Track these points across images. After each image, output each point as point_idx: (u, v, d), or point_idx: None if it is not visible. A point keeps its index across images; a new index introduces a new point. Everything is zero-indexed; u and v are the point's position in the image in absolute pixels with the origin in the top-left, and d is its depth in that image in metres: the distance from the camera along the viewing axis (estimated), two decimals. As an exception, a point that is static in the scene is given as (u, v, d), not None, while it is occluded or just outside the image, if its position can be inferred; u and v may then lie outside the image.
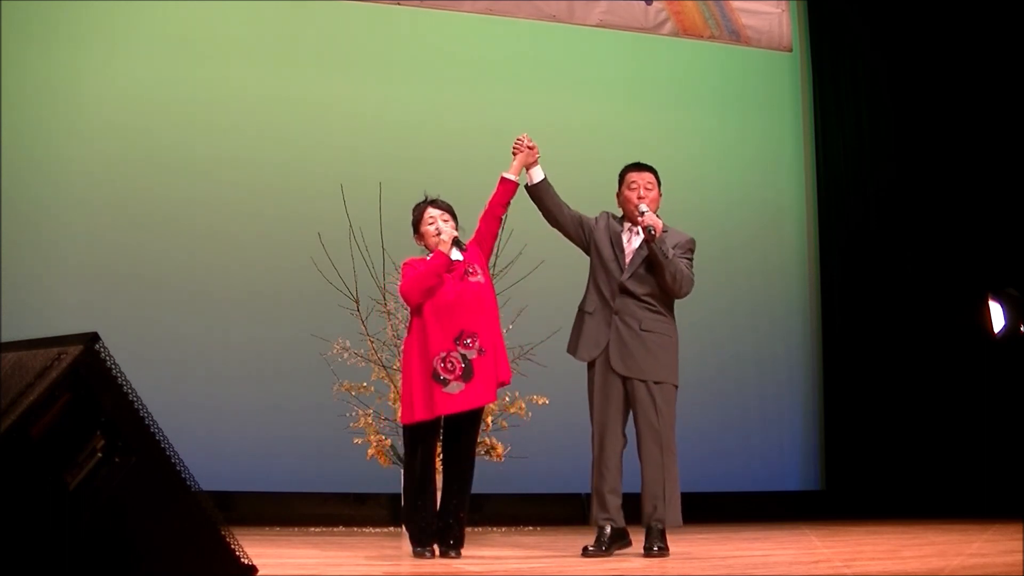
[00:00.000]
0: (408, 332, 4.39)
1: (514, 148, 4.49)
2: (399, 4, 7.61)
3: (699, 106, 8.31)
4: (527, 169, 4.51)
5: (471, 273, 4.30)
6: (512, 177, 4.46)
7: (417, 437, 4.27)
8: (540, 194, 4.54)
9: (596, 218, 4.60)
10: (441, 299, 4.22)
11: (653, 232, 4.29)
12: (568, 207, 4.58)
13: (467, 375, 4.15)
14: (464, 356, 4.16)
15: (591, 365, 4.44)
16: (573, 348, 4.51)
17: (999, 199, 8.26)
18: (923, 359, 8.24)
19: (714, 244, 7.81)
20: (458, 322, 4.19)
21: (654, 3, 8.12)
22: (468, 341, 4.18)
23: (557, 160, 7.64)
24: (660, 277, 4.37)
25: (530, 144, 4.48)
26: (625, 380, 4.35)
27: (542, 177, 4.53)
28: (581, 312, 4.53)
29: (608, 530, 4.32)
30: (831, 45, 8.74)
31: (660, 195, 4.55)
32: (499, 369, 4.28)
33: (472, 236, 4.46)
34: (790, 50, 8.56)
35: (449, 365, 4.15)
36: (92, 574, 2.44)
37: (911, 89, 8.63)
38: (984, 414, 7.95)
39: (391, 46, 7.67)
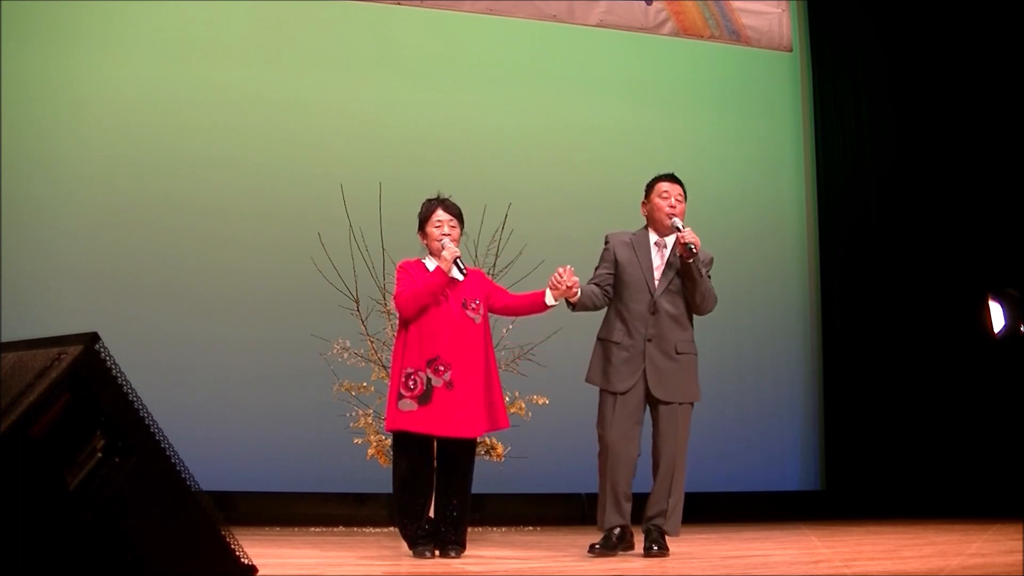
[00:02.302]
0: (396, 336, 4.38)
1: (552, 284, 4.34)
2: (399, 4, 7.61)
3: (699, 106, 8.31)
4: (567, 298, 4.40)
5: (471, 308, 4.27)
6: (551, 303, 4.38)
7: (400, 444, 4.25)
8: (583, 306, 4.45)
9: (608, 245, 4.53)
10: (431, 322, 4.19)
11: (693, 249, 4.25)
12: (598, 285, 4.48)
13: (424, 399, 4.11)
14: (428, 379, 4.13)
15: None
16: (601, 378, 4.40)
17: (999, 199, 8.26)
18: (923, 359, 8.24)
19: (714, 244, 7.70)
20: (438, 348, 4.15)
21: (654, 3, 8.12)
22: (440, 368, 4.14)
23: (556, 160, 7.78)
24: (690, 294, 4.35)
25: (569, 284, 4.31)
26: (654, 399, 4.35)
27: (578, 298, 4.39)
28: (605, 342, 4.44)
29: (618, 532, 4.34)
30: (831, 45, 8.74)
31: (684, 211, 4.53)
32: (495, 414, 4.24)
33: (493, 288, 4.46)
34: (790, 50, 8.56)
35: (411, 383, 4.13)
36: (92, 574, 2.43)
37: (911, 89, 8.63)
38: (984, 414, 7.95)
39: (391, 46, 7.67)
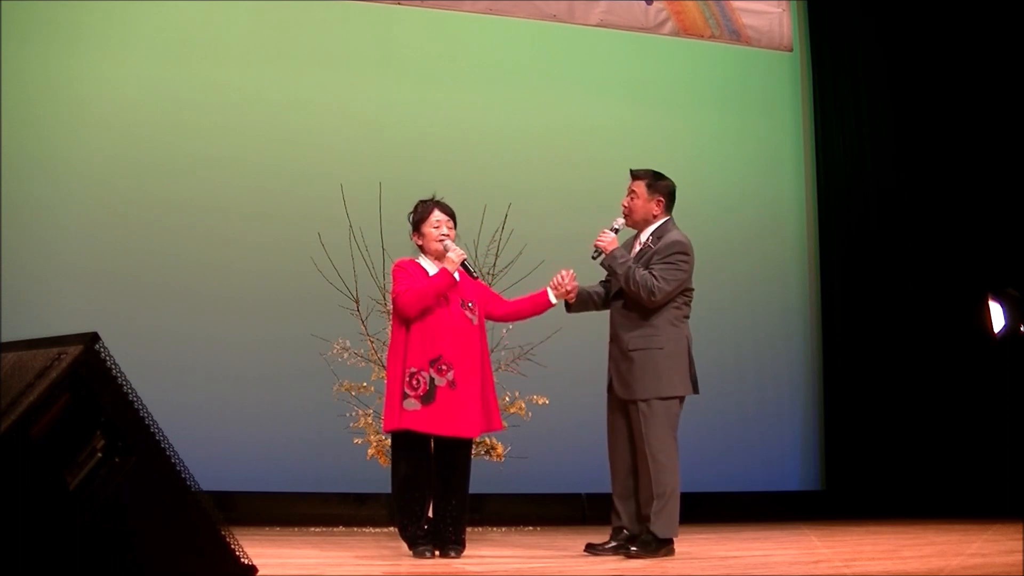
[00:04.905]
0: (392, 337, 4.38)
1: (553, 284, 4.46)
2: (399, 4, 7.61)
3: (699, 106, 8.31)
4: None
5: (469, 309, 4.29)
6: (554, 302, 4.50)
7: (401, 444, 4.26)
8: (581, 307, 4.58)
9: None
10: (432, 322, 4.21)
11: (595, 254, 4.39)
12: (602, 286, 4.59)
13: (428, 398, 4.12)
14: (432, 379, 4.15)
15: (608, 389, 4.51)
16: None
17: (999, 199, 8.25)
18: (923, 359, 8.23)
19: (714, 244, 7.82)
20: (440, 348, 4.18)
21: (654, 3, 8.12)
22: (443, 368, 4.16)
23: (556, 160, 7.78)
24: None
25: (569, 288, 4.45)
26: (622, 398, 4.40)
27: (575, 300, 4.55)
28: None
29: (624, 533, 4.37)
30: (831, 45, 8.74)
31: (661, 199, 4.44)
32: (490, 415, 4.30)
33: (491, 295, 4.55)
34: (790, 50, 8.56)
35: (415, 382, 4.14)
36: (92, 574, 2.44)
37: (912, 89, 8.63)
38: (984, 414, 7.95)
39: (391, 46, 7.67)
